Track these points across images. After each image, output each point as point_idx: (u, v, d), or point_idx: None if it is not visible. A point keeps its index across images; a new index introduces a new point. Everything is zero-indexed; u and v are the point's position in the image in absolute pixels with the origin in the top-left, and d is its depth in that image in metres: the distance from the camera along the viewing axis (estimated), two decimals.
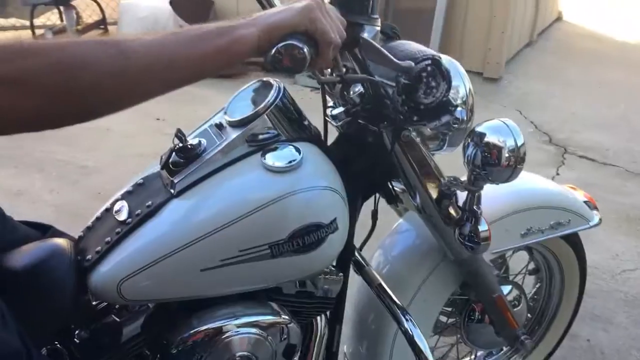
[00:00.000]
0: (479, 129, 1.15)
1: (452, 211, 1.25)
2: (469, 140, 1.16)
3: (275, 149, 1.10)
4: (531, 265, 1.74)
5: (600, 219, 1.61)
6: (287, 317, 1.18)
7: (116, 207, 1.13)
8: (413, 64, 0.97)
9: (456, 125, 1.20)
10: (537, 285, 1.79)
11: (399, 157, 1.19)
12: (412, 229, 1.48)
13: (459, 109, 1.21)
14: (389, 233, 1.53)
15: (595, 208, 1.61)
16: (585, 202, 1.60)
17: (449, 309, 1.62)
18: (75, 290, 1.05)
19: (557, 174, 3.11)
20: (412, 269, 1.42)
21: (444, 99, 1.10)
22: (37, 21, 5.18)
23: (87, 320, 1.10)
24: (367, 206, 1.33)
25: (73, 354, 1.10)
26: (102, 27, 5.34)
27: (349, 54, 0.96)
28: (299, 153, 1.09)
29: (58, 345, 1.10)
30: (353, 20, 0.92)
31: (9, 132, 0.68)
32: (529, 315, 1.82)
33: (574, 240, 1.63)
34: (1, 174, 3.17)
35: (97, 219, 1.16)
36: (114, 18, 5.35)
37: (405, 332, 1.21)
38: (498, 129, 1.14)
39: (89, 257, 1.07)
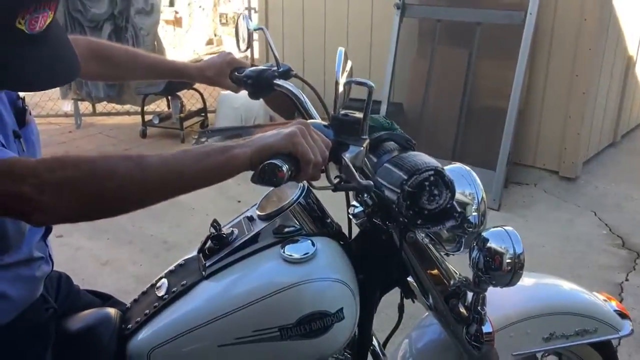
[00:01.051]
0: (483, 234, 1.25)
1: (461, 310, 1.32)
2: (474, 244, 1.25)
3: (294, 242, 1.25)
4: None
5: (633, 330, 1.60)
6: None
7: (158, 284, 1.31)
8: (372, 183, 1.10)
9: (470, 229, 1.31)
10: None
11: (408, 256, 1.30)
12: (437, 323, 1.55)
13: (473, 214, 1.32)
14: (416, 325, 1.61)
15: (627, 318, 1.61)
16: (616, 311, 1.60)
17: None
18: (117, 355, 1.22)
19: (627, 279, 3.01)
20: None
21: (448, 205, 1.21)
22: (148, 108, 5.77)
23: None
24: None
25: None
26: (202, 114, 5.85)
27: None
28: (314, 246, 1.23)
29: None
30: (342, 140, 1.08)
31: (51, 223, 0.88)
32: None
33: (604, 349, 1.62)
34: (95, 244, 3.52)
35: (143, 293, 1.35)
36: (213, 107, 5.85)
37: None
38: (500, 235, 1.23)
39: (129, 326, 1.25)
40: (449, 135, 4.27)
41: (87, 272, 3.08)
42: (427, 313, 1.61)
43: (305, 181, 1.06)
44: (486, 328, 1.28)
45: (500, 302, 1.52)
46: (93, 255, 3.39)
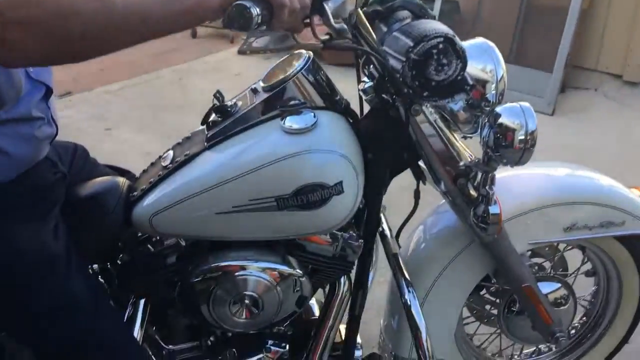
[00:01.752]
0: (496, 110, 1.17)
1: (470, 191, 1.27)
2: (486, 121, 1.18)
3: (296, 114, 1.21)
4: (588, 266, 1.67)
5: None
6: (300, 271, 1.29)
7: (164, 155, 1.31)
8: (345, 27, 1.02)
9: (488, 108, 1.23)
10: (593, 288, 1.71)
11: (415, 131, 1.24)
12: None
13: (492, 92, 1.24)
14: (432, 211, 1.57)
15: None
16: None
17: (493, 298, 1.62)
18: (122, 220, 1.25)
19: None
20: (442, 248, 1.45)
21: (458, 77, 1.13)
22: None
23: (129, 247, 1.30)
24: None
25: (114, 275, 1.31)
26: None
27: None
28: (315, 119, 1.19)
29: (103, 265, 1.32)
30: None
31: (16, 65, 0.87)
32: (584, 318, 1.75)
33: (633, 244, 1.54)
34: (142, 138, 3.60)
35: (151, 164, 1.36)
36: None
37: (405, 304, 1.26)
38: (513, 111, 1.15)
39: (135, 193, 1.27)
40: (506, 36, 4.03)
41: (130, 161, 3.17)
42: (443, 200, 1.57)
43: (272, 30, 0.99)
44: (493, 209, 1.22)
45: (518, 188, 1.46)
46: (139, 147, 3.47)
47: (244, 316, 1.26)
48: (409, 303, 1.24)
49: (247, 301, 1.25)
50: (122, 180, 1.32)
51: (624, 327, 1.67)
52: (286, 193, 1.16)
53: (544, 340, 1.55)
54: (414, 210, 1.51)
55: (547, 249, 1.60)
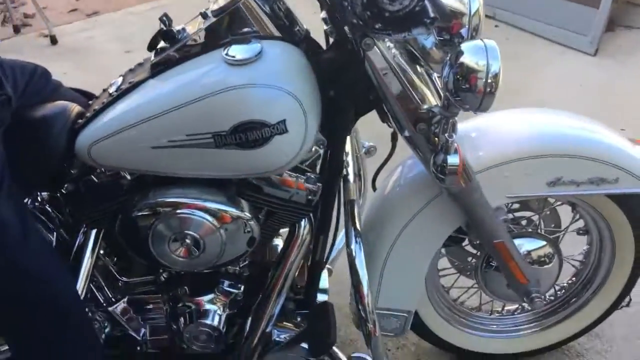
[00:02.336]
0: (459, 47, 1.03)
1: (435, 139, 1.15)
2: (447, 60, 1.05)
3: (241, 43, 1.10)
4: (581, 224, 1.54)
5: None
6: (248, 214, 1.22)
7: (113, 82, 1.24)
8: None
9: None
10: (585, 248, 1.58)
11: (372, 70, 1.12)
12: None
13: (464, 28, 1.10)
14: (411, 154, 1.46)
15: None
16: None
17: (475, 251, 1.52)
18: (65, 147, 1.20)
19: None
20: (413, 194, 1.34)
21: (417, 8, 1.00)
22: None
23: (76, 176, 1.25)
24: None
25: (59, 204, 1.28)
26: None
27: None
28: (261, 49, 1.08)
29: (48, 193, 1.28)
30: None
31: None
32: (573, 279, 1.63)
33: (628, 204, 1.40)
34: None
35: (103, 90, 1.29)
36: None
37: (349, 254, 1.18)
38: (476, 50, 1.01)
39: (80, 121, 1.21)
40: None
41: None
42: None
43: None
44: (452, 159, 1.10)
45: (498, 136, 1.34)
46: None
47: (183, 255, 1.22)
48: (353, 254, 1.16)
49: (187, 240, 1.20)
50: (72, 107, 1.26)
51: (614, 292, 1.55)
52: (223, 130, 1.08)
53: (519, 299, 1.46)
54: (391, 154, 1.42)
55: (537, 202, 1.49)
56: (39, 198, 1.32)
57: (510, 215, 1.42)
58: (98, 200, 1.24)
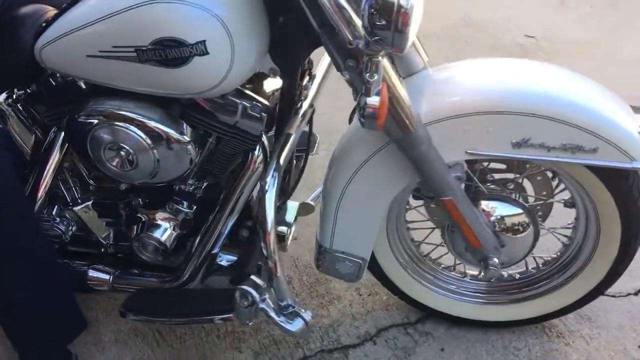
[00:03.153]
0: None
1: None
2: None
3: None
4: (566, 195, 1.38)
5: None
6: (185, 137, 1.23)
7: None
8: None
9: None
10: (571, 222, 1.42)
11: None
12: None
13: None
14: None
15: None
16: None
17: None
18: (31, 47, 1.24)
19: None
20: (368, 139, 1.26)
21: None
22: None
23: (40, 77, 1.30)
24: None
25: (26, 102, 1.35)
26: None
27: None
28: None
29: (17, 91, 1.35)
30: None
31: None
32: (558, 254, 1.49)
33: (612, 179, 1.23)
34: None
35: None
36: None
37: (262, 188, 1.13)
38: None
39: (44, 24, 1.25)
40: None
41: None
42: None
43: None
44: (371, 100, 1.02)
45: (462, 87, 1.22)
46: None
47: (117, 166, 1.25)
48: (265, 188, 1.12)
49: (122, 153, 1.23)
50: (46, 10, 1.30)
51: (597, 275, 1.39)
52: (144, 44, 1.07)
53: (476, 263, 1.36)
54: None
55: (517, 165, 1.35)
56: (14, 96, 1.40)
57: (461, 173, 1.28)
58: (54, 101, 1.29)
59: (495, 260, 1.31)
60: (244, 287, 1.14)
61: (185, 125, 1.24)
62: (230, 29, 1.06)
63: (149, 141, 1.21)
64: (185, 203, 1.38)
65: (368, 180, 1.29)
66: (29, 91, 1.34)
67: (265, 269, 1.14)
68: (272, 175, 1.14)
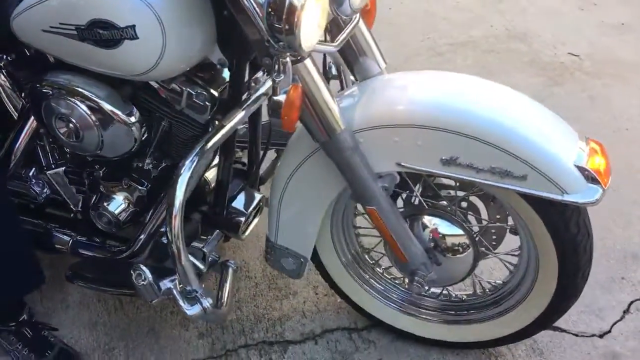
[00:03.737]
0: None
1: None
2: None
3: None
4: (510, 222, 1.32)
5: (598, 200, 1.10)
6: (131, 118, 1.28)
7: None
8: None
9: None
10: (516, 251, 1.36)
11: None
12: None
13: None
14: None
15: (599, 183, 1.10)
16: (582, 168, 1.10)
17: None
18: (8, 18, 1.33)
19: None
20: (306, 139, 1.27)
21: None
22: None
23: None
24: None
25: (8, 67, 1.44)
26: None
27: None
28: None
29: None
30: None
31: None
32: (498, 281, 1.43)
33: (544, 209, 1.17)
34: None
35: None
36: None
37: (177, 169, 1.15)
38: None
39: None
40: None
41: None
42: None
43: None
44: (276, 99, 1.03)
45: (397, 97, 1.20)
46: None
47: (66, 136, 1.32)
48: (180, 171, 1.15)
49: (70, 125, 1.29)
50: None
51: (537, 309, 1.33)
52: (82, 24, 1.13)
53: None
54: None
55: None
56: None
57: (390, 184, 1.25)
58: (26, 69, 1.38)
59: (422, 276, 1.28)
60: (140, 266, 1.19)
61: (133, 106, 1.29)
62: (162, 16, 1.09)
63: (93, 117, 1.27)
64: (141, 181, 1.44)
65: (306, 179, 1.30)
66: (9, 58, 1.43)
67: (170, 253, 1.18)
68: (191, 160, 1.16)
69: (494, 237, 1.35)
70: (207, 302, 1.19)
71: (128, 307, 1.68)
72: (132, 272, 1.20)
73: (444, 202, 1.32)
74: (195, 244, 1.44)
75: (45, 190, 1.57)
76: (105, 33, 1.11)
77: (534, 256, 1.29)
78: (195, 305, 1.18)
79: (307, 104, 1.12)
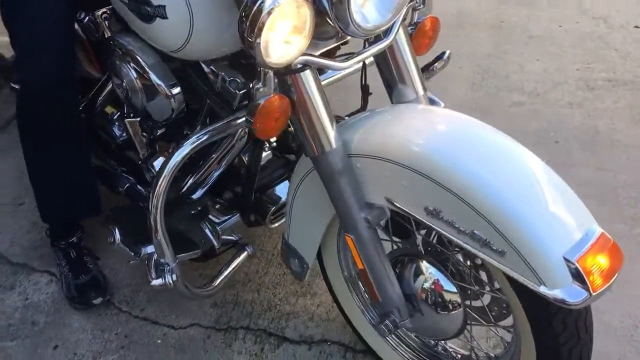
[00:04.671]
0: None
1: None
2: None
3: None
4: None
5: (579, 304, 0.94)
6: (174, 91, 1.36)
7: None
8: None
9: None
10: (510, 328, 1.20)
11: None
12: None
13: None
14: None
15: (583, 283, 0.93)
16: (568, 261, 0.94)
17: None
18: None
19: None
20: None
21: None
22: None
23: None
24: None
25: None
26: None
27: None
28: None
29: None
30: None
31: None
32: (491, 353, 1.29)
33: (523, 292, 1.02)
34: None
35: None
36: None
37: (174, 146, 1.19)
38: None
39: None
40: None
41: None
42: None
43: None
44: (251, 106, 1.02)
45: (401, 129, 1.12)
46: None
47: (120, 93, 1.44)
48: (176, 149, 1.19)
49: (123, 83, 1.41)
50: None
51: None
52: None
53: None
54: (364, 105, 1.33)
55: None
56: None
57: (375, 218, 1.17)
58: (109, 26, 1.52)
59: (393, 321, 1.20)
60: (114, 227, 1.27)
61: (175, 80, 1.36)
62: (192, 2, 1.14)
63: (138, 82, 1.37)
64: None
65: (313, 187, 1.27)
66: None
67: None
68: (192, 142, 1.21)
69: (496, 307, 1.22)
70: (171, 279, 1.25)
71: None
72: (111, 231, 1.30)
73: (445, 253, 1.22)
74: (214, 219, 1.51)
75: (122, 135, 1.73)
76: (142, 7, 1.19)
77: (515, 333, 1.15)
78: (161, 277, 1.25)
79: (299, 117, 1.09)
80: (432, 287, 1.23)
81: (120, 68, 1.41)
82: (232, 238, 1.54)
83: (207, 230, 1.47)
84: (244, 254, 1.53)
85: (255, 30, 0.89)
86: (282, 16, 0.91)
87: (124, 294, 1.73)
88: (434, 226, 1.06)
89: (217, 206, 1.53)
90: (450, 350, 1.39)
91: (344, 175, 1.12)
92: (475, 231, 1.00)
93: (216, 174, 1.50)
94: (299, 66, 1.04)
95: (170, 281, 1.25)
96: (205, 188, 1.52)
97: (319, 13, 0.99)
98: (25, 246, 1.90)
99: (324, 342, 1.58)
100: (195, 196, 1.52)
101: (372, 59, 1.21)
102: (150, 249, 1.29)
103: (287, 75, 1.05)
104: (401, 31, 1.19)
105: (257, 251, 1.81)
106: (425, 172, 1.03)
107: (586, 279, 0.93)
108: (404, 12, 1.15)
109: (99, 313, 1.69)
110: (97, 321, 1.67)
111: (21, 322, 1.68)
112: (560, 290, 0.94)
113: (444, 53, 1.63)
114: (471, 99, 2.46)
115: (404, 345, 1.42)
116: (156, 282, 1.26)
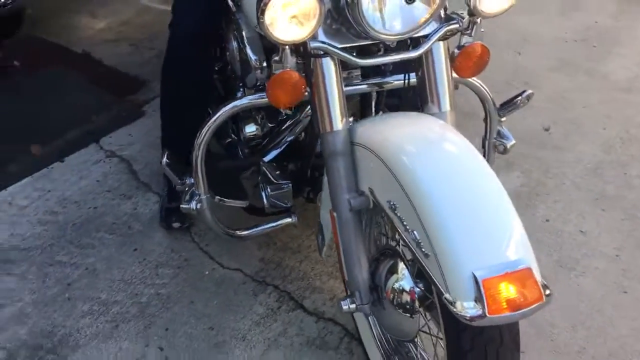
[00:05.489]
0: None
1: None
2: None
3: None
4: None
5: (469, 321, 0.98)
6: (257, 64, 1.54)
7: None
8: None
9: None
10: None
11: None
12: None
13: None
14: None
15: (481, 303, 0.97)
16: (475, 281, 0.97)
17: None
18: None
19: None
20: None
21: None
22: None
23: None
24: None
25: None
26: None
27: None
28: None
29: None
30: None
31: None
32: None
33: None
34: None
35: None
36: None
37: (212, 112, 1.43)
38: None
39: None
40: None
41: None
42: None
43: None
44: (263, 73, 1.22)
45: (394, 128, 1.23)
46: None
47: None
48: (215, 114, 1.44)
49: (227, 52, 1.71)
50: None
51: None
52: None
53: None
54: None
55: None
56: None
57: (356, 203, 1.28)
58: None
59: (353, 302, 1.31)
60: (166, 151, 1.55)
61: (264, 55, 1.56)
62: None
63: (235, 52, 1.65)
64: (270, 118, 1.76)
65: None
66: None
67: None
68: (231, 106, 1.45)
69: None
70: (195, 207, 1.50)
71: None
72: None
73: None
74: (269, 180, 1.70)
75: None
76: None
77: None
78: (189, 204, 1.51)
79: (314, 97, 1.26)
80: (400, 287, 1.30)
81: (228, 37, 1.70)
82: (283, 204, 1.73)
83: (258, 188, 1.68)
84: (287, 220, 1.71)
85: (260, 8, 1.09)
86: (285, 2, 1.09)
87: (200, 228, 2.03)
88: (392, 219, 1.16)
89: (277, 172, 1.73)
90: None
91: (342, 157, 1.26)
92: (414, 231, 1.08)
93: (288, 139, 1.70)
94: (320, 53, 1.21)
95: (194, 208, 1.51)
96: (275, 152, 1.73)
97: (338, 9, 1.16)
98: (154, 170, 2.30)
99: (331, 321, 1.71)
100: (266, 158, 1.75)
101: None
102: (190, 180, 1.55)
103: (307, 58, 1.22)
104: (441, 49, 1.29)
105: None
106: (393, 170, 1.13)
107: (485, 299, 0.97)
108: (441, 33, 1.25)
109: (176, 237, 2.01)
110: (172, 241, 2.00)
111: (122, 224, 2.08)
112: (459, 302, 0.99)
113: (524, 91, 1.65)
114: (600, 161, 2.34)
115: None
116: (184, 205, 1.52)
